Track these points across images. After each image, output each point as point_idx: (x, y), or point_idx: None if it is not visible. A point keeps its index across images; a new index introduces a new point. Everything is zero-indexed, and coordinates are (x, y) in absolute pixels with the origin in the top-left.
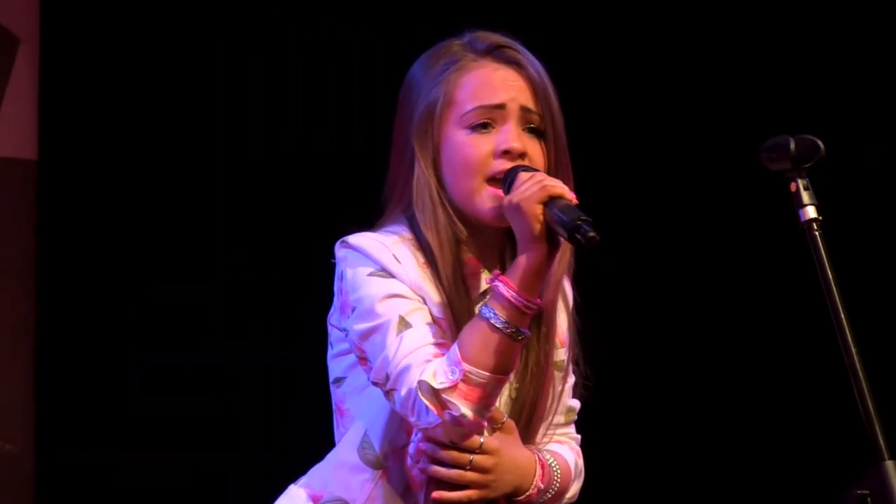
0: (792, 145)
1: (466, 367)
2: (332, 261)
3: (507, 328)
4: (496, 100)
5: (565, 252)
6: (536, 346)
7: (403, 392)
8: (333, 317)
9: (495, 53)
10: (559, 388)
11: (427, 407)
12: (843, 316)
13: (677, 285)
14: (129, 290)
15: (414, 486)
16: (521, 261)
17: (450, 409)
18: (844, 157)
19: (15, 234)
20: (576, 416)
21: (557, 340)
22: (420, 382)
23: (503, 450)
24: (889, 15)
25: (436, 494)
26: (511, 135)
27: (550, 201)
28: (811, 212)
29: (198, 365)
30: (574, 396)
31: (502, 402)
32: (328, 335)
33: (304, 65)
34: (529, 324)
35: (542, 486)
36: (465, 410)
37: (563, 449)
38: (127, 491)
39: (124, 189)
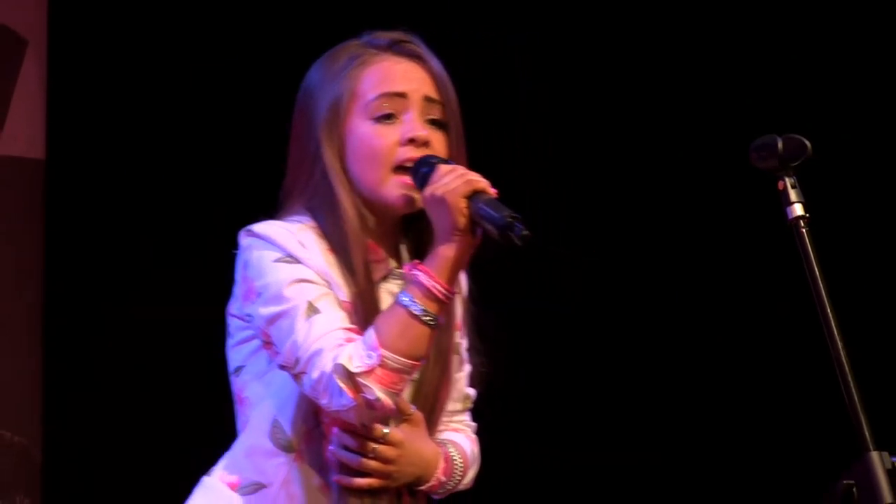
0: (780, 145)
1: (384, 352)
2: (234, 251)
3: (425, 316)
4: (398, 88)
5: (473, 246)
6: (439, 335)
7: (315, 375)
8: (234, 306)
9: (395, 48)
10: (457, 374)
11: (341, 389)
12: (829, 310)
13: (666, 282)
14: (136, 286)
15: (329, 466)
16: (442, 251)
17: (364, 392)
18: (832, 157)
19: (23, 231)
20: (471, 405)
21: (454, 324)
22: (336, 366)
23: (407, 442)
24: (875, 17)
25: (337, 478)
26: (415, 124)
27: (474, 195)
28: (798, 209)
29: (205, 358)
30: (471, 385)
31: (405, 391)
32: (227, 325)
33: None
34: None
35: (443, 479)
36: (380, 394)
37: (460, 437)
38: (132, 480)
39: (130, 187)
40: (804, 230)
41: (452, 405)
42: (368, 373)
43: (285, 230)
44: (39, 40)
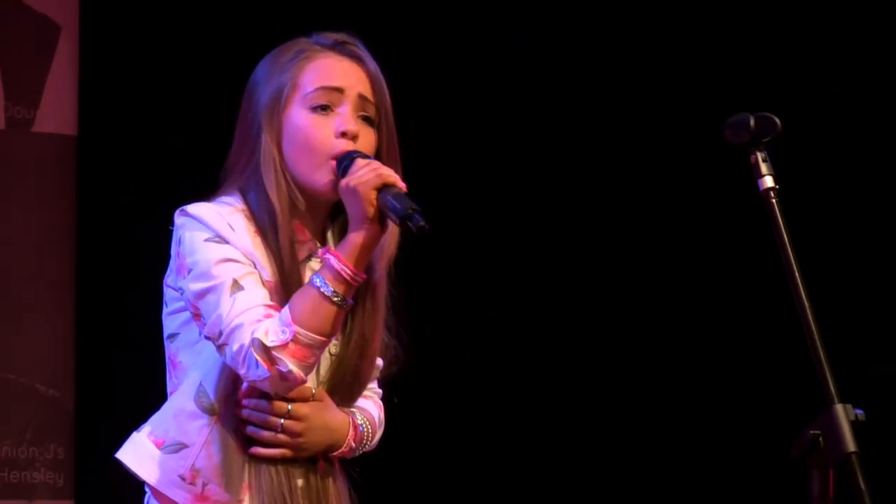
0: (752, 122)
1: (297, 328)
2: (170, 227)
3: (335, 297)
4: (336, 83)
5: (394, 235)
6: (363, 318)
7: (235, 347)
8: (169, 278)
9: (339, 48)
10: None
11: (258, 362)
12: (797, 274)
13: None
14: (161, 251)
15: (244, 429)
16: (353, 238)
17: (278, 365)
18: (799, 133)
19: (57, 201)
20: (379, 373)
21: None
22: (253, 339)
23: (313, 415)
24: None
25: (253, 450)
26: (348, 117)
27: (384, 188)
28: (769, 181)
29: None
30: (381, 356)
31: (322, 361)
32: (163, 295)
33: None
34: (356, 296)
35: (353, 445)
36: (293, 367)
37: (369, 404)
38: None
39: (156, 160)
40: (774, 200)
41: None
42: (282, 347)
43: (216, 212)
44: (72, 26)
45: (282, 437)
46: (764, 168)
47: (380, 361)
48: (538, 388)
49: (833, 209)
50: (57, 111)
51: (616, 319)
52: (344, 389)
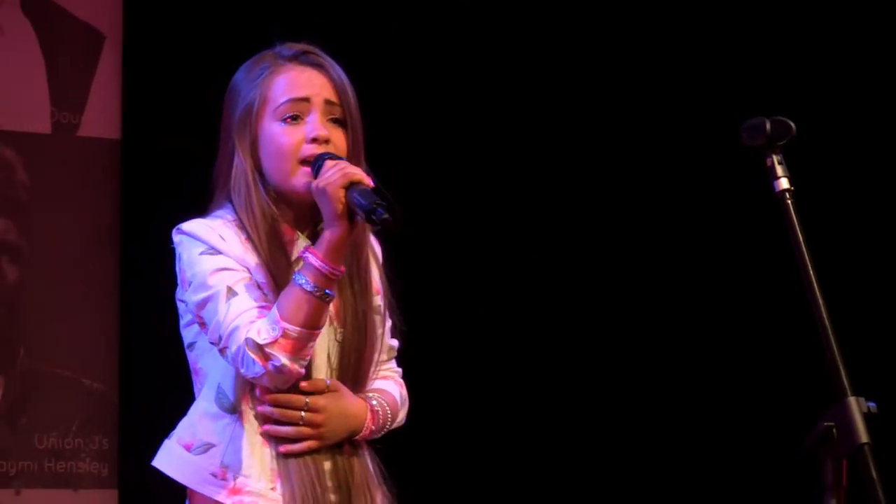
0: (768, 125)
1: (284, 324)
2: (171, 246)
3: (317, 291)
4: (302, 94)
5: (365, 226)
6: (353, 301)
7: (234, 349)
8: (179, 292)
9: (301, 58)
10: (379, 330)
11: (253, 359)
12: (811, 272)
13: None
14: None
15: (264, 422)
16: (326, 236)
17: (272, 360)
18: (814, 138)
19: (101, 202)
20: (396, 353)
21: (373, 290)
22: (247, 339)
23: (330, 405)
24: (854, 8)
25: (283, 448)
26: (317, 124)
27: (351, 186)
28: (784, 183)
29: None
30: (393, 336)
31: (331, 350)
32: (177, 308)
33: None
34: (345, 284)
35: (373, 427)
36: (285, 360)
37: (388, 384)
38: None
39: (197, 160)
40: (789, 202)
41: (381, 356)
42: (273, 343)
43: (206, 227)
44: (115, 35)
45: (304, 430)
46: (779, 170)
47: (395, 342)
48: (538, 381)
49: (847, 210)
50: (101, 116)
51: (632, 319)
52: (351, 372)
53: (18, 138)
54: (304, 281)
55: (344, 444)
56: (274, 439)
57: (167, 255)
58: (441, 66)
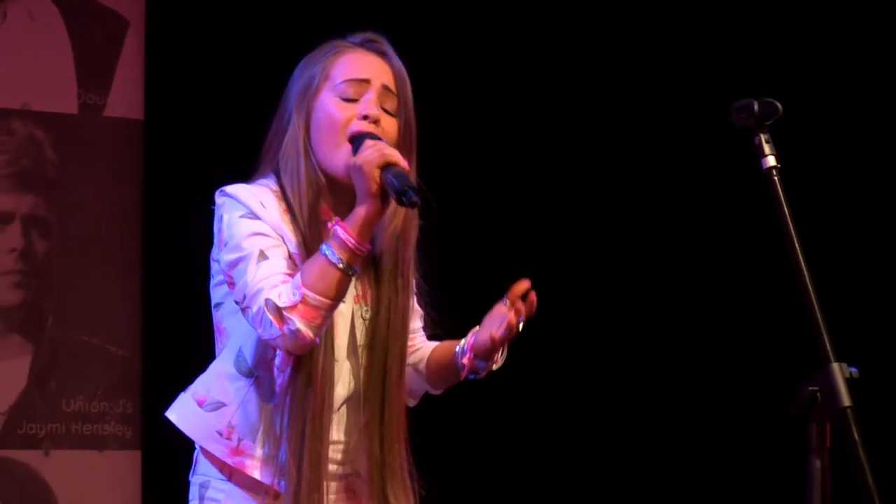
0: (756, 106)
1: (305, 291)
2: (212, 206)
3: (341, 264)
4: (363, 75)
5: (399, 209)
6: (383, 282)
7: (254, 310)
8: (214, 252)
9: (367, 45)
10: (414, 325)
11: (271, 321)
12: (796, 244)
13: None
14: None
15: (278, 391)
16: (359, 211)
17: (288, 323)
18: (800, 118)
19: (126, 178)
20: (422, 322)
21: (408, 272)
22: (267, 301)
23: None
24: None
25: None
26: (371, 103)
27: (387, 166)
28: (771, 160)
29: None
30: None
31: (357, 328)
32: (210, 268)
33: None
34: (377, 265)
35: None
36: (300, 326)
37: (431, 343)
38: None
39: (216, 139)
40: (776, 178)
41: (413, 325)
42: (292, 308)
43: (249, 192)
44: (138, 20)
45: None
46: (767, 148)
47: (419, 324)
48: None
49: (829, 186)
50: (125, 97)
51: (617, 295)
52: (382, 346)
53: (47, 118)
54: (329, 252)
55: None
56: (282, 405)
57: (186, 230)
58: (441, 65)
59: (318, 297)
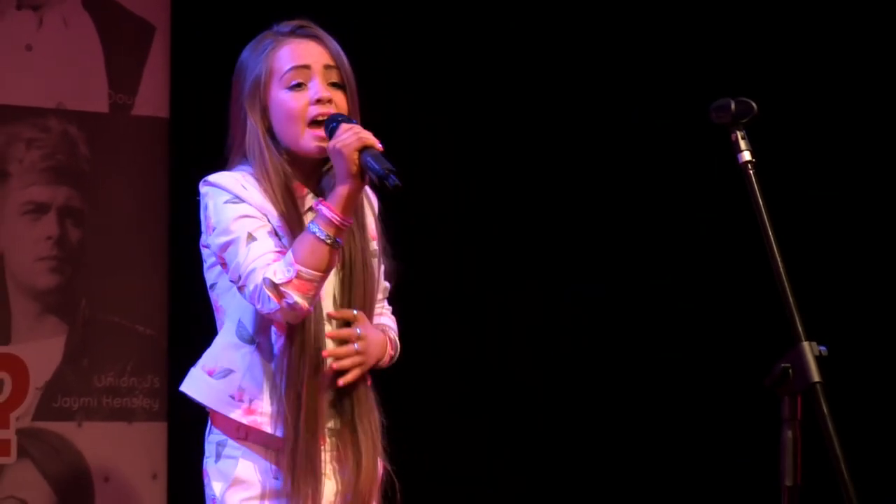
0: (733, 105)
1: (299, 267)
2: (197, 197)
3: (328, 239)
4: (303, 61)
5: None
6: (359, 246)
7: (251, 288)
8: (203, 238)
9: (298, 32)
10: (377, 273)
11: (269, 297)
12: (770, 232)
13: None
14: None
15: (277, 353)
16: (340, 191)
17: (286, 298)
18: (774, 117)
19: (152, 172)
20: (388, 293)
21: (368, 236)
22: (264, 279)
23: (369, 335)
24: None
25: (341, 382)
26: (319, 87)
27: (364, 149)
28: (747, 155)
29: None
30: (386, 279)
31: (336, 288)
32: (201, 254)
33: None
34: (349, 231)
35: (392, 353)
36: (298, 299)
37: (388, 320)
38: None
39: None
40: (751, 172)
41: (378, 295)
42: (288, 283)
43: (231, 177)
44: (164, 27)
45: (357, 359)
46: (743, 144)
47: (387, 284)
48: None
49: (804, 178)
50: (152, 97)
51: (598, 280)
52: (358, 304)
53: (81, 117)
54: (317, 230)
55: (366, 375)
56: (284, 366)
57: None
58: (442, 62)
59: (310, 270)
